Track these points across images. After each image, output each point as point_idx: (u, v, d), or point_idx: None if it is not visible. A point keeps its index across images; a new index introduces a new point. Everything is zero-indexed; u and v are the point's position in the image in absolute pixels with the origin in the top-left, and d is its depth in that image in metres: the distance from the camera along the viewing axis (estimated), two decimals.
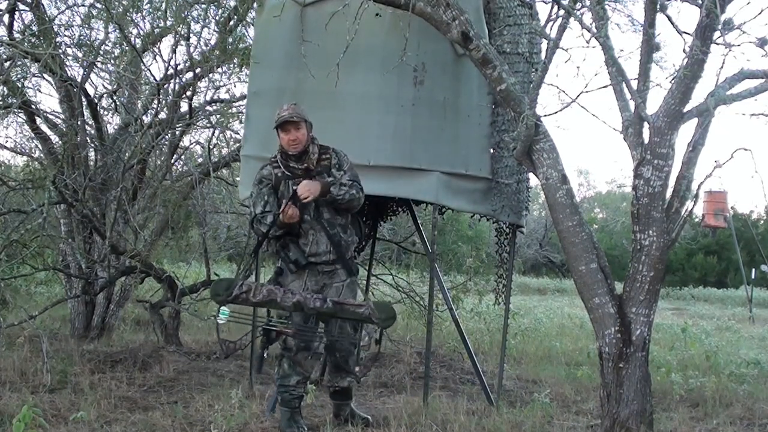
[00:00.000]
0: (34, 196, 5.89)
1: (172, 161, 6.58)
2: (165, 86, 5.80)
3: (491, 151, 4.42)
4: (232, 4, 5.64)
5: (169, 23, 5.58)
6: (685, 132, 6.09)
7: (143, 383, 4.69)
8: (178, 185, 6.51)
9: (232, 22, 5.76)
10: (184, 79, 5.87)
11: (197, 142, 7.30)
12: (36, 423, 2.96)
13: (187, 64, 5.69)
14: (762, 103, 3.49)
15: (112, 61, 6.07)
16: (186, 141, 6.98)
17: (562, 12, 3.78)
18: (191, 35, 5.46)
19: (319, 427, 3.74)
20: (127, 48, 5.71)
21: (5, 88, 5.37)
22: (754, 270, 16.63)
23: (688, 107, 3.51)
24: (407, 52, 3.88)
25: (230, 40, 5.73)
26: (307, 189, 3.49)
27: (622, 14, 4.43)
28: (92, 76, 6.13)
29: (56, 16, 5.82)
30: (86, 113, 5.96)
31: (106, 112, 6.53)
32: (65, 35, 5.80)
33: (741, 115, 5.05)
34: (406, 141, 4.21)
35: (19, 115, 6.18)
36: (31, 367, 4.70)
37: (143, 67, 6.07)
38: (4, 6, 5.32)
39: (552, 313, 10.94)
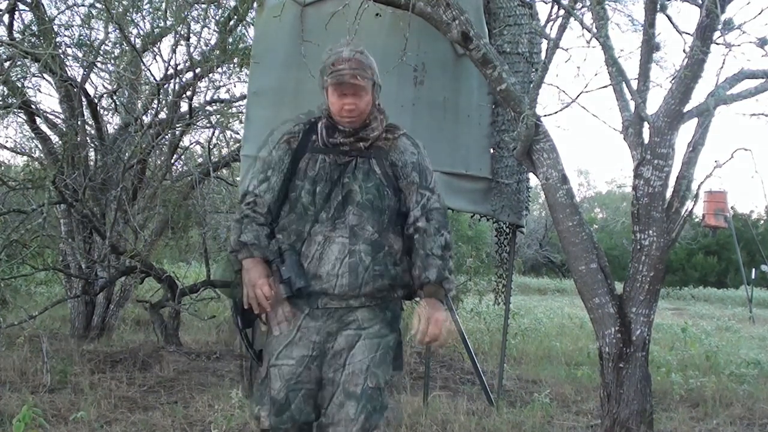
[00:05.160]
0: (34, 196, 5.88)
1: (172, 161, 6.58)
2: (165, 86, 5.79)
3: (491, 151, 4.42)
4: (232, 4, 5.63)
5: (169, 23, 5.58)
6: (685, 132, 6.11)
7: (143, 383, 4.68)
8: (178, 185, 6.51)
9: (232, 22, 5.75)
10: (184, 79, 5.87)
11: (197, 142, 7.31)
12: (36, 423, 2.96)
13: (187, 64, 5.69)
14: (762, 103, 3.49)
15: (112, 61, 6.07)
16: (186, 141, 6.99)
17: (562, 12, 3.78)
18: (191, 35, 5.46)
19: None
20: (127, 48, 5.71)
21: (5, 88, 5.36)
22: (754, 270, 16.64)
23: (688, 107, 3.51)
24: (407, 52, 3.88)
25: (230, 40, 5.72)
26: (440, 327, 2.25)
27: (622, 14, 4.43)
28: (92, 76, 6.13)
29: (56, 16, 5.82)
30: (86, 113, 5.96)
31: (106, 112, 6.54)
32: (65, 35, 5.81)
33: (741, 115, 5.06)
34: None
35: (19, 115, 6.18)
36: (31, 367, 4.70)
37: (143, 67, 6.06)
38: (4, 6, 5.32)
39: (552, 313, 10.95)
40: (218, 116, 6.35)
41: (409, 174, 2.35)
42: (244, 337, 2.32)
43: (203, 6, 5.61)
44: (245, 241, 2.28)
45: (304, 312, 2.26)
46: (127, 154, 5.93)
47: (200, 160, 7.27)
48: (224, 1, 5.70)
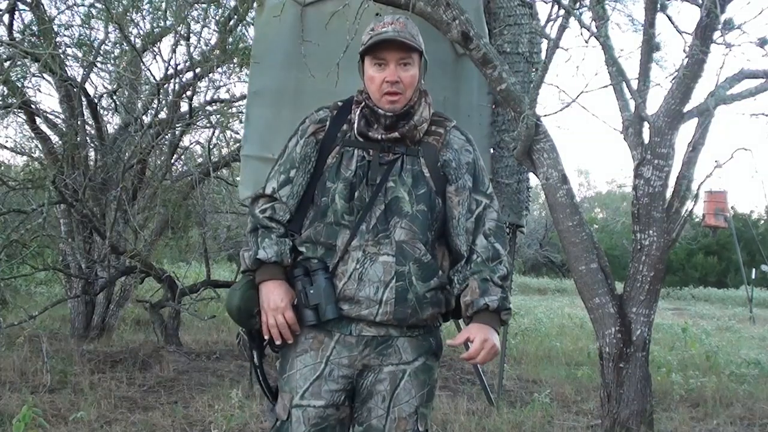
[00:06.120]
0: (34, 196, 5.89)
1: (172, 161, 6.58)
2: (165, 86, 5.80)
3: (491, 151, 4.43)
4: (232, 4, 5.64)
5: (169, 23, 5.58)
6: (685, 132, 6.11)
7: (143, 383, 4.69)
8: (178, 185, 6.52)
9: (232, 22, 5.76)
10: (184, 79, 5.87)
11: (197, 142, 7.31)
12: (36, 423, 2.96)
13: (187, 64, 5.69)
14: (762, 103, 3.50)
15: (112, 61, 6.07)
16: (186, 141, 7.00)
17: (562, 12, 3.78)
18: (191, 35, 5.46)
19: None
20: (127, 48, 5.72)
21: (5, 88, 5.37)
22: (754, 270, 16.64)
23: (688, 107, 3.51)
24: None
25: (230, 40, 5.73)
26: (491, 354, 1.86)
27: (622, 14, 4.42)
28: (92, 76, 6.14)
29: (56, 16, 5.83)
30: (86, 113, 5.96)
31: (106, 112, 6.54)
32: (65, 35, 5.81)
33: (741, 115, 5.06)
34: None
35: (19, 115, 6.18)
36: (31, 367, 4.70)
37: (143, 67, 6.07)
38: (4, 6, 5.33)
39: (552, 313, 10.95)
40: (218, 116, 6.35)
41: (462, 176, 1.93)
42: (260, 373, 1.95)
43: (203, 6, 5.61)
44: (265, 258, 1.87)
45: (333, 338, 1.87)
46: (127, 154, 5.94)
47: (200, 160, 7.27)
48: (224, 1, 5.71)
